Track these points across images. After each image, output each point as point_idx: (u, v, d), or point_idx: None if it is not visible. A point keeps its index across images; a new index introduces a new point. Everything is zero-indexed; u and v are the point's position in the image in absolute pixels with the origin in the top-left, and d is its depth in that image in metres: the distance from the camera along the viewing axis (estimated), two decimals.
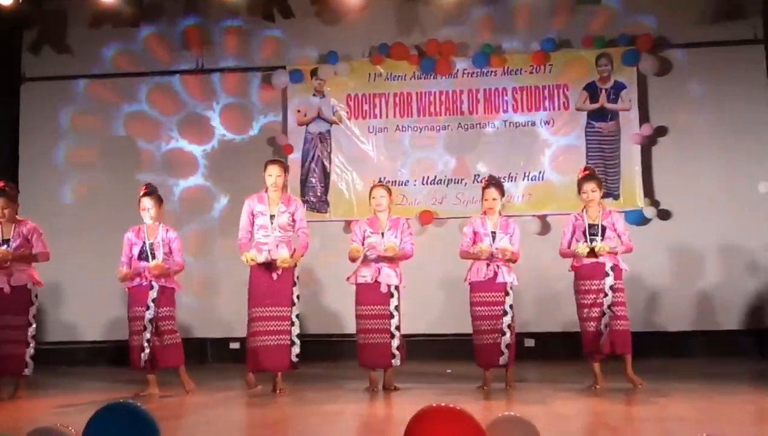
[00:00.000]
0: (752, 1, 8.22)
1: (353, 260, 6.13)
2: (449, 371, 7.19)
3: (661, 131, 8.40)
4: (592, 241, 5.93)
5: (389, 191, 6.27)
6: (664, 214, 8.31)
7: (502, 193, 6.21)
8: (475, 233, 6.12)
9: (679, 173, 8.32)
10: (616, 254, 5.92)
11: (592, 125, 8.48)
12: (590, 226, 6.00)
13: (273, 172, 6.04)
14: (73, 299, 8.73)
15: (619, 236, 5.99)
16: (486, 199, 6.10)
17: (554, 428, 4.12)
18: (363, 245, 6.09)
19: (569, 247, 6.10)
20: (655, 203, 8.32)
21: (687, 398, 5.11)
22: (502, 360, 5.92)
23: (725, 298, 8.12)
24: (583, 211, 6.11)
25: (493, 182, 6.20)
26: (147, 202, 6.16)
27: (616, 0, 8.38)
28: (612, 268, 5.90)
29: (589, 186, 6.02)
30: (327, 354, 8.20)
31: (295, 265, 6.02)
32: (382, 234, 6.10)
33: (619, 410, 4.72)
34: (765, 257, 8.04)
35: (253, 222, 6.00)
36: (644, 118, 8.38)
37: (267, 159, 8.61)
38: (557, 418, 4.47)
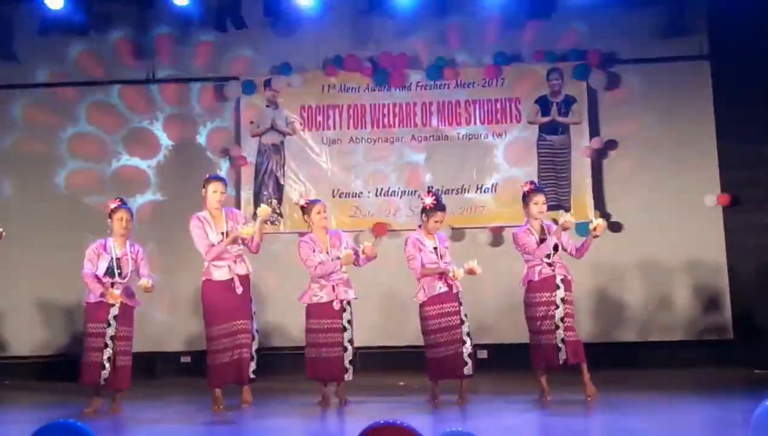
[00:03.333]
0: (698, 19, 8.39)
1: (324, 276, 6.07)
2: (402, 383, 7.16)
3: (611, 145, 8.52)
4: (548, 256, 5.95)
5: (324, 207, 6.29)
6: (615, 227, 8.41)
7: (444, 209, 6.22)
8: (420, 251, 6.11)
9: (629, 186, 8.45)
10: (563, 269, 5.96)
11: (543, 138, 8.58)
12: (541, 240, 6.02)
13: (219, 189, 6.02)
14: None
15: (564, 248, 6.03)
16: (438, 221, 6.10)
17: None
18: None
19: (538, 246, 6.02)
20: (605, 216, 8.42)
21: (636, 410, 5.16)
22: (467, 370, 5.88)
23: (675, 309, 8.25)
24: (527, 225, 6.11)
25: (442, 204, 6.19)
26: (125, 215, 6.00)
27: (567, 15, 8.48)
28: (562, 280, 5.95)
29: (541, 198, 6.06)
30: (281, 367, 8.11)
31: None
32: (327, 251, 6.05)
33: (567, 423, 4.75)
34: (713, 269, 8.19)
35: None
36: (594, 131, 8.51)
37: (220, 170, 8.72)
38: (506, 431, 4.48)
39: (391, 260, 8.24)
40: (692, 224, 8.23)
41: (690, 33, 8.41)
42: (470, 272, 5.91)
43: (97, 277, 5.86)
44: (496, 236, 8.53)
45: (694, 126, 8.34)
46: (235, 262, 5.88)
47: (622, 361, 7.96)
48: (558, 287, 5.92)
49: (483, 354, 8.29)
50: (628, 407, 5.36)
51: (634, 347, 8.21)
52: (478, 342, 8.05)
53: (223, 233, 5.90)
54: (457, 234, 8.38)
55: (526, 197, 6.13)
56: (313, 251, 6.05)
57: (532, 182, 6.34)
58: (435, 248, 6.08)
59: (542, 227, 6.09)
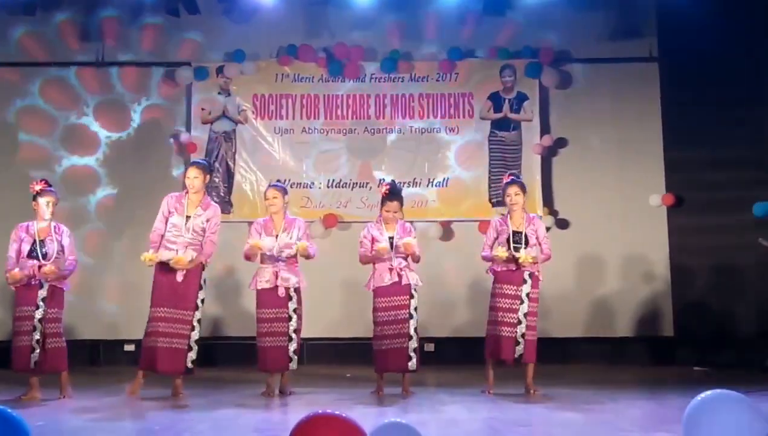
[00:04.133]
0: (648, 21, 8.55)
1: (249, 257, 6.03)
2: (348, 375, 7.17)
3: (561, 143, 8.64)
4: (516, 249, 5.97)
5: (284, 192, 6.17)
6: (563, 224, 8.54)
7: (402, 203, 6.20)
8: (372, 239, 6.12)
9: (578, 184, 8.57)
10: (536, 263, 5.98)
11: (495, 134, 8.65)
12: (515, 233, 6.02)
13: (191, 175, 5.94)
14: None
15: (540, 244, 6.04)
16: (389, 211, 6.08)
17: (442, 434, 4.15)
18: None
19: (491, 251, 6.07)
20: (553, 212, 8.55)
21: (576, 404, 5.25)
22: (411, 365, 5.88)
23: (619, 306, 8.40)
24: (507, 216, 6.15)
25: (395, 194, 6.16)
26: (51, 198, 5.87)
27: (521, 13, 8.55)
28: (530, 275, 5.98)
29: (512, 190, 6.07)
30: (233, 357, 8.05)
31: (203, 268, 5.88)
32: (277, 236, 6.01)
33: (508, 415, 4.81)
34: (656, 268, 8.36)
35: (167, 220, 5.85)
36: (545, 129, 8.61)
37: (169, 156, 8.60)
38: (447, 423, 4.51)
39: (340, 252, 8.25)
40: (637, 223, 8.39)
41: (640, 35, 8.57)
42: (405, 247, 5.87)
43: (18, 259, 5.75)
44: (446, 231, 8.59)
45: (642, 127, 8.49)
46: (185, 248, 5.79)
47: (565, 356, 8.08)
48: (525, 282, 5.96)
49: (430, 347, 8.37)
50: (568, 401, 5.45)
51: (577, 342, 8.34)
52: (425, 336, 8.19)
53: (188, 217, 5.83)
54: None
55: (503, 190, 6.17)
56: (258, 234, 6.02)
57: (511, 174, 6.33)
58: (390, 238, 6.06)
59: (524, 218, 6.08)
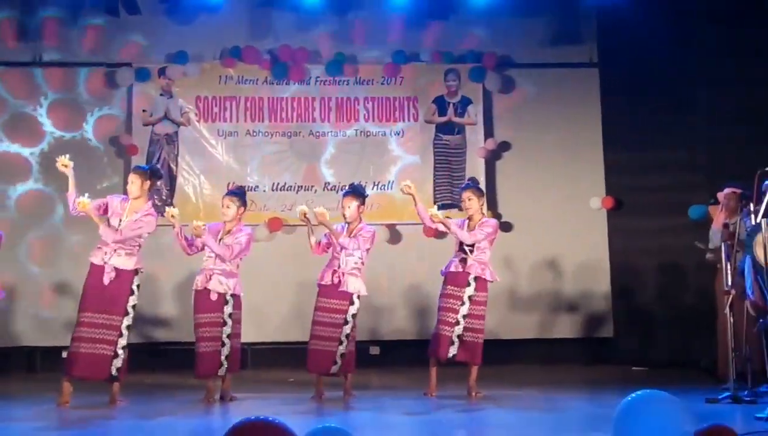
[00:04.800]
0: (588, 28, 8.70)
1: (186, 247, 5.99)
2: (292, 379, 7.12)
3: (504, 146, 8.73)
4: (467, 252, 6.04)
5: (240, 201, 6.08)
6: (506, 226, 8.61)
7: (362, 201, 6.19)
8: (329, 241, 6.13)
9: (521, 187, 8.67)
10: (483, 266, 6.02)
11: (439, 138, 8.71)
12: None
13: (130, 180, 5.86)
14: None
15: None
16: (342, 207, 6.14)
17: None
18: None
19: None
20: (497, 215, 8.61)
21: (515, 405, 5.32)
22: (334, 369, 5.89)
23: (560, 307, 8.51)
24: (466, 220, 6.21)
25: (351, 191, 6.21)
26: None
27: (465, 18, 8.62)
28: (475, 278, 6.03)
29: (465, 195, 6.17)
30: (171, 362, 7.93)
31: (136, 273, 5.77)
32: (220, 240, 5.96)
33: (446, 418, 4.85)
34: (597, 269, 8.51)
35: (108, 220, 5.74)
36: (489, 133, 8.69)
37: (107, 159, 8.44)
38: (385, 426, 4.53)
39: (285, 255, 8.21)
40: (578, 226, 8.52)
41: (581, 41, 8.71)
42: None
43: None
44: (394, 233, 8.61)
45: (583, 131, 8.63)
46: (115, 251, 5.67)
47: (507, 358, 8.16)
48: (469, 284, 6.01)
49: (375, 350, 8.38)
50: (507, 402, 5.51)
51: (519, 344, 8.44)
52: (371, 339, 8.21)
53: (121, 221, 5.72)
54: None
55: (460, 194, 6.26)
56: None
57: (470, 179, 6.41)
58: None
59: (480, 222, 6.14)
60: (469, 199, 6.12)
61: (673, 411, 2.79)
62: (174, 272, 8.08)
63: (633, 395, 2.87)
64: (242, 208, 6.10)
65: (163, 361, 7.91)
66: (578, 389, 6.37)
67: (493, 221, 6.39)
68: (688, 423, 2.78)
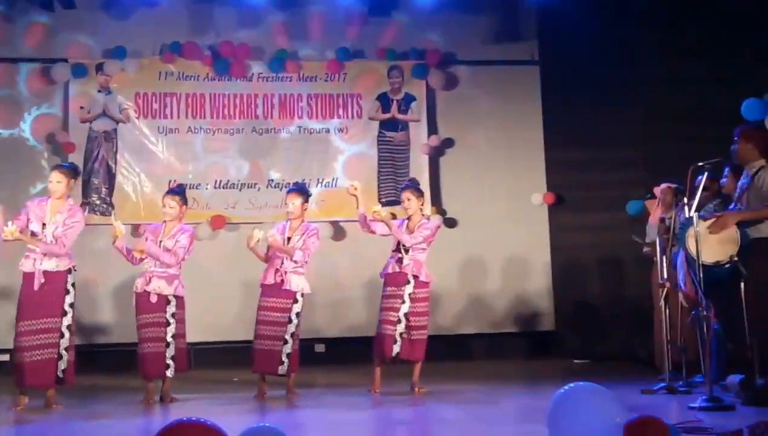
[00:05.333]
0: (529, 26, 8.81)
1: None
2: (236, 379, 7.05)
3: (448, 143, 8.79)
4: (405, 251, 6.05)
5: (181, 199, 5.98)
6: (451, 223, 8.69)
7: (306, 198, 6.17)
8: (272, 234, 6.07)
9: (464, 183, 8.74)
10: (419, 265, 6.03)
11: (383, 135, 8.72)
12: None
13: (53, 178, 5.66)
14: None
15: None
16: (286, 205, 6.12)
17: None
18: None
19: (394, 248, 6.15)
20: (441, 212, 8.68)
21: (457, 400, 5.35)
22: (281, 369, 5.85)
23: (504, 302, 8.61)
24: (406, 219, 6.22)
25: (295, 189, 6.21)
26: None
27: (407, 15, 8.66)
28: (414, 276, 6.05)
29: (405, 195, 6.18)
30: (111, 364, 7.79)
31: (70, 272, 5.63)
32: (160, 242, 5.86)
33: (388, 415, 4.86)
34: (538, 264, 8.63)
35: (28, 224, 5.56)
36: (433, 129, 8.74)
37: (43, 158, 8.22)
38: (328, 424, 4.51)
39: (229, 254, 8.13)
40: (521, 221, 8.63)
41: (522, 39, 8.83)
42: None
43: None
44: (337, 230, 8.58)
45: (525, 128, 8.74)
46: (44, 256, 5.52)
47: (452, 353, 8.23)
48: (408, 282, 6.02)
49: (321, 348, 8.36)
50: (450, 397, 5.55)
51: (463, 339, 8.51)
52: (316, 336, 8.17)
53: (44, 224, 5.55)
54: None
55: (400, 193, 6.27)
56: (145, 239, 5.86)
57: (409, 179, 6.42)
58: (288, 239, 6.02)
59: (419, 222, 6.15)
60: (409, 200, 6.14)
61: (605, 403, 2.84)
62: (110, 274, 7.93)
63: (566, 387, 2.92)
64: (184, 207, 6.02)
65: (100, 364, 7.75)
66: (519, 382, 6.44)
67: (433, 224, 6.41)
68: (619, 414, 2.83)
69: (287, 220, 6.15)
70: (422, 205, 6.29)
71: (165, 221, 5.95)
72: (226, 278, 8.15)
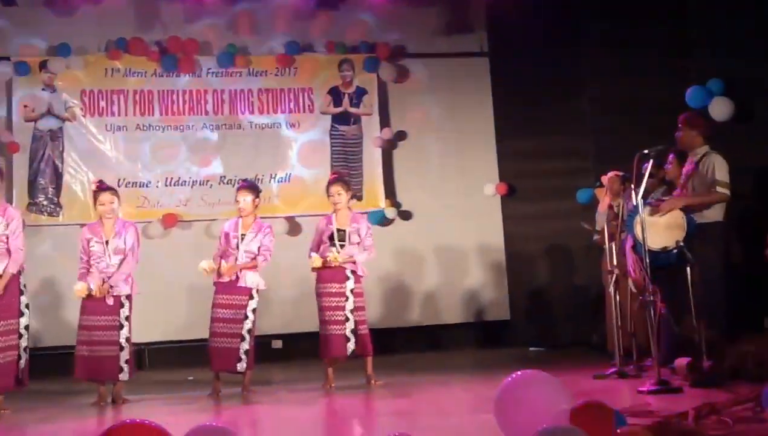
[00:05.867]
0: (478, 17, 8.85)
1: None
2: (191, 378, 6.98)
3: (400, 135, 8.80)
4: (341, 246, 6.01)
5: (116, 195, 5.92)
6: (405, 215, 8.71)
7: (257, 194, 6.11)
8: (225, 235, 5.99)
9: (418, 176, 8.77)
10: (354, 262, 6.01)
11: (336, 128, 8.69)
12: (338, 230, 6.06)
13: None
14: None
15: (362, 242, 6.05)
16: (237, 201, 6.03)
17: (273, 432, 4.12)
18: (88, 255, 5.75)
19: (317, 250, 6.11)
20: (396, 204, 8.70)
21: (411, 391, 5.37)
22: (240, 367, 5.79)
23: (459, 293, 8.66)
24: (333, 214, 6.17)
25: (245, 185, 6.15)
26: None
27: (356, 8, 8.64)
28: (352, 272, 6.02)
29: (335, 189, 6.10)
30: (63, 368, 7.63)
31: (20, 273, 5.51)
32: (107, 242, 5.75)
33: (342, 408, 4.85)
34: (493, 254, 8.69)
35: None
36: (385, 123, 8.74)
37: None
38: (281, 420, 4.49)
39: (181, 252, 8.02)
40: (474, 212, 8.68)
41: (471, 31, 8.87)
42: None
43: None
44: (292, 226, 8.54)
45: (476, 119, 8.79)
46: None
47: (409, 344, 8.26)
48: (348, 278, 6.00)
49: (278, 344, 8.31)
50: (405, 389, 5.55)
51: (419, 330, 8.54)
52: (273, 332, 8.13)
53: None
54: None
55: (326, 188, 6.18)
56: (86, 241, 5.75)
57: (334, 172, 6.38)
58: (242, 236, 5.96)
59: (349, 217, 6.12)
60: (339, 194, 6.09)
61: (550, 389, 2.87)
62: (55, 276, 7.77)
63: (513, 375, 2.94)
64: (119, 202, 5.94)
65: (41, 368, 7.59)
66: (474, 372, 6.49)
67: (366, 220, 6.35)
68: (565, 400, 2.87)
69: (239, 217, 6.09)
70: (350, 198, 6.23)
71: (102, 219, 5.83)
72: (178, 276, 8.04)
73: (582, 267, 8.24)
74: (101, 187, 5.94)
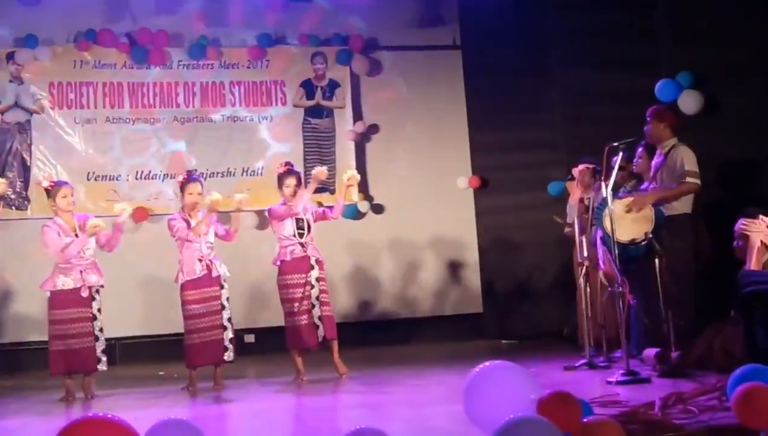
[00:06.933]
0: (450, 10, 8.85)
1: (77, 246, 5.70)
2: (162, 372, 6.93)
3: (373, 129, 8.77)
4: (300, 235, 6.01)
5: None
6: (378, 209, 8.70)
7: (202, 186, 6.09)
8: (187, 222, 5.95)
9: (391, 169, 8.75)
10: (317, 251, 6.07)
11: (308, 121, 8.65)
12: (297, 220, 6.06)
13: None
14: None
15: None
16: (190, 194, 5.97)
17: (245, 425, 4.10)
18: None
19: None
20: (369, 198, 8.68)
21: (383, 385, 5.37)
22: (228, 356, 5.80)
23: (432, 286, 8.67)
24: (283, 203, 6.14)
25: (194, 177, 6.11)
26: None
27: (329, 0, 8.58)
28: (316, 260, 6.03)
29: (291, 181, 6.09)
30: (24, 364, 7.56)
31: None
32: (77, 235, 5.70)
33: (314, 402, 4.84)
34: (465, 247, 8.71)
35: None
36: (358, 116, 8.72)
37: None
38: (252, 414, 4.48)
39: (152, 246, 7.94)
40: (447, 205, 8.68)
41: (443, 23, 8.86)
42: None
43: None
44: (263, 219, 8.48)
45: (449, 112, 8.78)
46: None
47: (382, 338, 8.26)
48: (313, 268, 5.99)
49: (251, 338, 8.27)
50: (376, 382, 5.55)
51: (392, 323, 8.54)
52: (245, 327, 8.09)
53: None
54: (223, 217, 8.18)
55: (279, 179, 6.16)
56: (58, 235, 5.68)
57: (287, 163, 6.34)
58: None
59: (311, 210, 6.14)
60: (294, 186, 6.12)
61: (518, 380, 2.89)
62: (25, 270, 7.65)
63: (480, 366, 2.95)
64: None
65: (6, 363, 7.53)
66: (446, 364, 6.48)
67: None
68: (533, 391, 2.88)
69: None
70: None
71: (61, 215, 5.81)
72: (149, 271, 7.97)
73: (554, 259, 8.28)
74: (57, 182, 5.93)
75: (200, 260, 5.88)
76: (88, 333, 5.63)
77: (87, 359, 5.60)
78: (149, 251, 7.99)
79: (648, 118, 5.94)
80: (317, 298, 5.97)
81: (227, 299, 5.93)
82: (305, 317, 5.94)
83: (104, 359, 5.66)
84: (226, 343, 5.81)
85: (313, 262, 6.01)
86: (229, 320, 5.88)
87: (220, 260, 5.98)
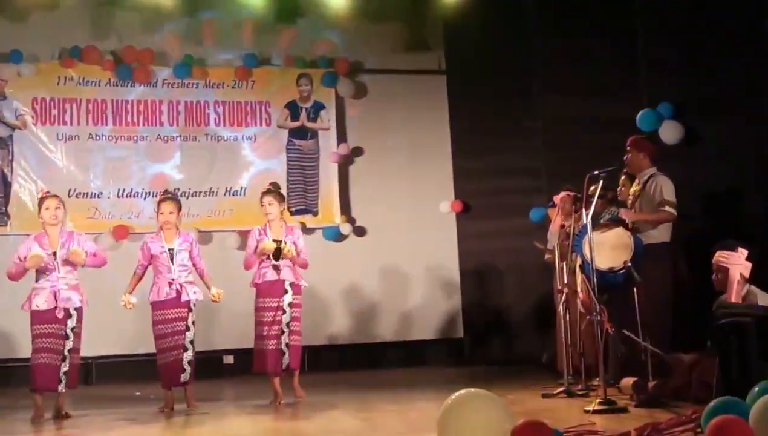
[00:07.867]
0: (436, 36, 8.92)
1: (14, 275, 5.62)
2: (138, 393, 6.85)
3: (357, 151, 8.80)
4: (276, 258, 5.95)
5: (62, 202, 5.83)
6: (360, 231, 8.70)
7: (179, 206, 6.04)
8: (149, 249, 5.90)
9: (374, 192, 8.77)
10: (301, 265, 6.04)
11: (292, 143, 8.66)
12: (274, 241, 6.00)
13: None
14: None
15: (298, 254, 6.06)
16: (162, 213, 5.91)
17: None
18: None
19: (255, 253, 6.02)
20: (351, 220, 8.68)
21: (360, 409, 5.31)
22: (184, 377, 5.71)
23: (415, 310, 8.66)
24: (266, 226, 6.10)
25: (170, 196, 6.09)
26: None
27: (315, 23, 8.63)
28: (291, 284, 5.98)
29: (266, 200, 6.06)
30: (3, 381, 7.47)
31: None
32: (55, 253, 5.63)
33: (288, 425, 4.81)
34: (447, 271, 8.71)
35: None
36: (342, 138, 8.74)
37: None
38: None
39: (133, 265, 7.87)
40: (430, 229, 8.69)
41: (429, 48, 8.94)
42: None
43: None
44: (245, 239, 8.44)
45: (433, 137, 8.83)
46: None
47: (360, 361, 8.23)
48: (287, 292, 5.95)
49: (229, 360, 8.22)
50: (353, 406, 5.50)
51: (374, 347, 8.52)
52: (225, 348, 8.04)
53: None
54: (205, 237, 8.19)
55: (261, 198, 6.15)
56: (29, 249, 5.60)
57: (271, 183, 6.33)
58: (170, 250, 5.87)
59: (283, 228, 6.09)
60: (270, 205, 6.05)
61: (492, 409, 2.88)
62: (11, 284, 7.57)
63: (455, 395, 2.94)
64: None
65: None
66: (424, 390, 6.47)
67: (298, 229, 6.39)
68: (506, 420, 2.87)
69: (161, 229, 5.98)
70: (283, 210, 6.19)
71: (47, 230, 5.70)
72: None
73: (534, 286, 8.28)
74: (47, 194, 5.86)
75: (170, 284, 5.83)
76: (57, 350, 5.52)
77: (50, 376, 5.49)
78: (129, 269, 7.87)
79: (628, 148, 6.01)
80: (287, 324, 5.91)
81: (193, 322, 5.83)
82: (273, 342, 5.88)
83: (65, 380, 5.51)
84: (185, 364, 5.72)
85: (287, 286, 5.94)
86: (192, 342, 5.79)
87: (194, 284, 5.90)
